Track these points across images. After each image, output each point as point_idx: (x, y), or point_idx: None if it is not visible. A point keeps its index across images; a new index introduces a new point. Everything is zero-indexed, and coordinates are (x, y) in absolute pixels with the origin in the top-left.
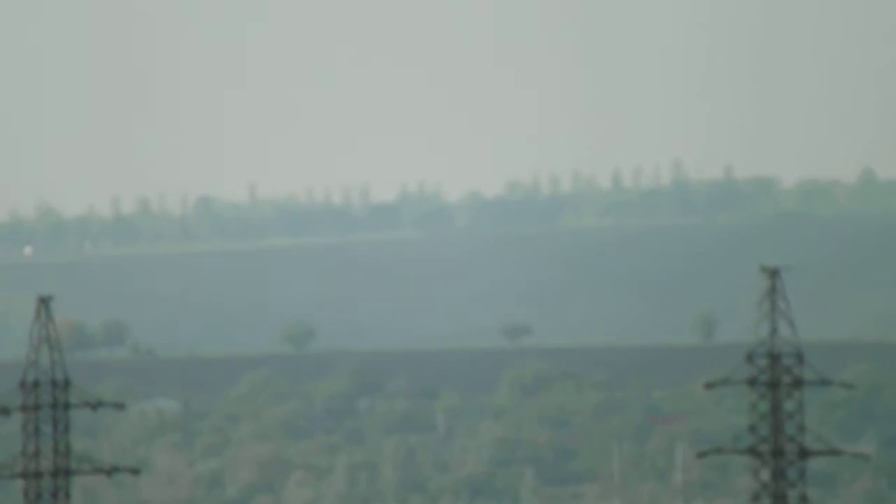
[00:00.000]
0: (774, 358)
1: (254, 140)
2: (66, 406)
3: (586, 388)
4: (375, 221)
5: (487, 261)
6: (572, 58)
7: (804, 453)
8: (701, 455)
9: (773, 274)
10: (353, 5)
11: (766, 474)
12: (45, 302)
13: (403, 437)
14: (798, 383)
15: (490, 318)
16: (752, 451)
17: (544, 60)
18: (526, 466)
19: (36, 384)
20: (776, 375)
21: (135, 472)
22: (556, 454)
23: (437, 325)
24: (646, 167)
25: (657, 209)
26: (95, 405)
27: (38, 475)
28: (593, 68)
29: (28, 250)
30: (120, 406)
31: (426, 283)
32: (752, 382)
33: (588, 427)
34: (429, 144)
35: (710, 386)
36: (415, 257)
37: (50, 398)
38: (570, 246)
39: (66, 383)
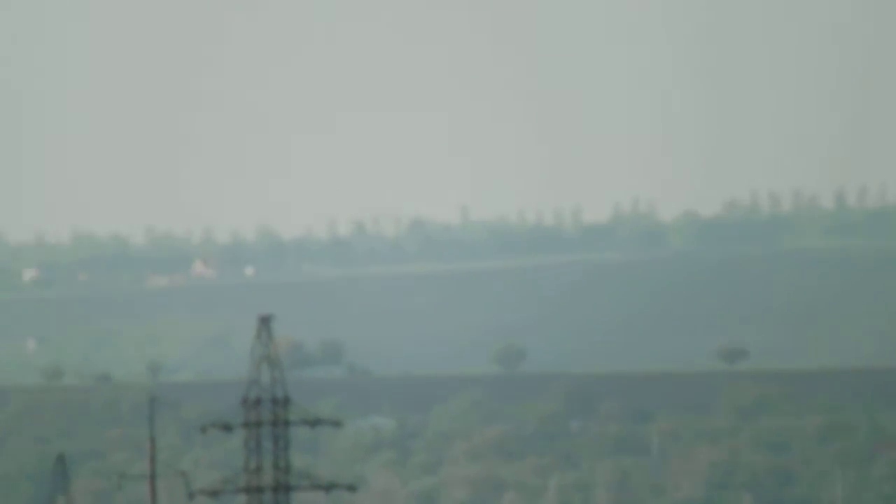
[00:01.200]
0: None
1: (465, 162)
2: (286, 423)
3: (807, 411)
4: (587, 242)
5: (703, 282)
6: (810, 71)
7: None
8: None
9: None
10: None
11: None
12: (266, 321)
13: (617, 460)
14: None
15: (706, 340)
16: None
17: (769, 74)
18: (743, 491)
19: (257, 401)
20: None
21: (351, 488)
22: (775, 479)
23: (650, 346)
24: (871, 186)
25: (884, 230)
26: (314, 423)
27: (259, 490)
28: (824, 81)
29: (249, 271)
30: (337, 424)
31: (638, 304)
32: None
33: (809, 452)
34: (643, 163)
35: None
36: (627, 278)
37: (271, 415)
38: (791, 268)
39: (286, 401)
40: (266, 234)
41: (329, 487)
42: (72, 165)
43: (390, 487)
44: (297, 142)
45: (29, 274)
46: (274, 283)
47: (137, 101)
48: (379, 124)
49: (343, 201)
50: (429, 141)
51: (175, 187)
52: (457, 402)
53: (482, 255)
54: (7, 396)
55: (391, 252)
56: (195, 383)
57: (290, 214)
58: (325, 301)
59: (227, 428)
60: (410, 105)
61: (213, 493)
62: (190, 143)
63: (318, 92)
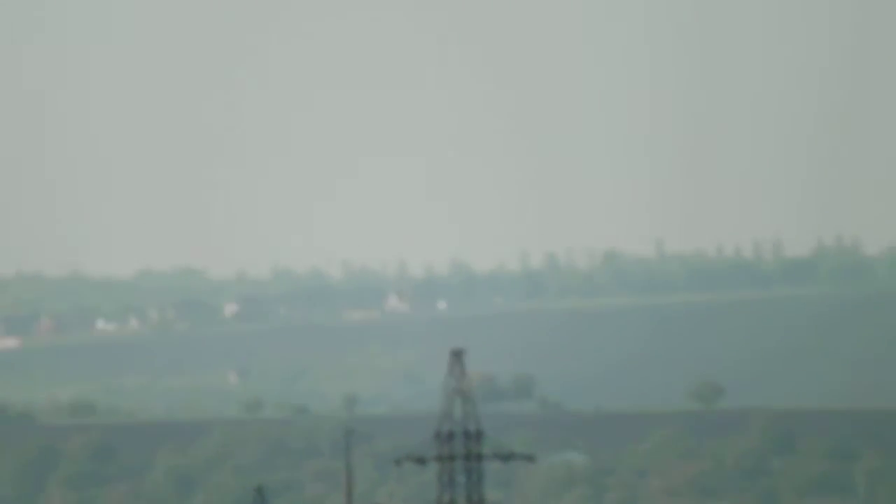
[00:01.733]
0: None
1: (660, 194)
2: (479, 457)
3: None
4: (788, 276)
5: None
6: None
7: None
8: None
9: None
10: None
11: None
12: (458, 355)
13: (820, 500)
14: None
15: None
16: None
17: None
18: None
19: (450, 435)
20: None
21: None
22: None
23: (850, 382)
24: None
25: None
26: (507, 457)
27: None
28: None
29: (442, 304)
30: (530, 458)
31: (839, 338)
32: None
33: None
34: (846, 197)
35: None
36: (828, 313)
37: (464, 449)
38: None
39: (479, 434)
40: (459, 267)
41: None
42: (270, 203)
43: None
44: (490, 174)
45: (230, 308)
46: (466, 316)
47: (327, 134)
48: (571, 154)
49: (536, 234)
50: (625, 172)
51: (370, 222)
52: (652, 438)
53: (678, 289)
54: (209, 428)
55: (584, 285)
56: (389, 416)
57: (483, 247)
58: (516, 334)
59: (421, 461)
60: (604, 135)
61: None
62: (382, 178)
63: (499, 122)
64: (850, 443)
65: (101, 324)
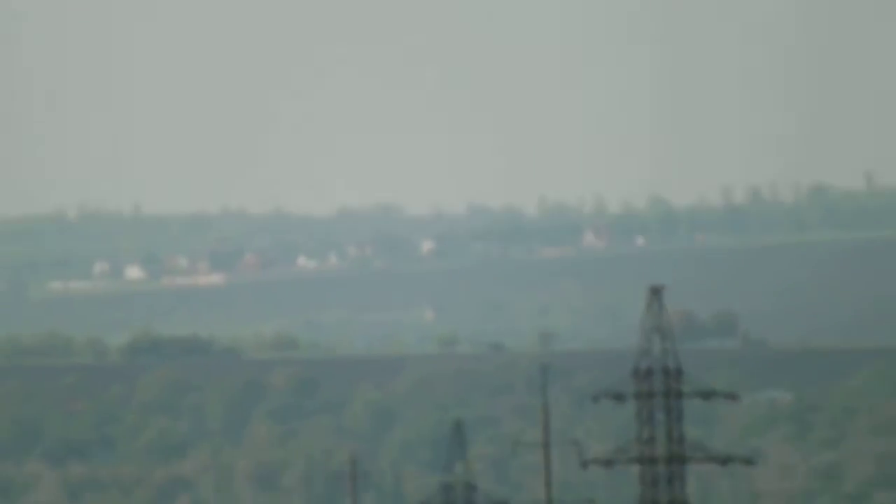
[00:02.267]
0: None
1: (871, 127)
2: (679, 395)
3: None
4: None
5: None
6: None
7: None
8: None
9: None
10: None
11: None
12: (657, 292)
13: None
14: None
15: None
16: None
17: None
18: None
19: (649, 372)
20: None
21: (749, 462)
22: None
23: None
24: None
25: None
26: (708, 395)
27: (652, 461)
28: None
29: (640, 241)
30: (733, 396)
31: None
32: None
33: None
34: None
35: None
36: None
37: (663, 386)
38: None
39: (678, 372)
40: (657, 203)
41: (725, 460)
42: (466, 140)
43: (789, 462)
44: (689, 106)
45: (427, 245)
46: (665, 252)
47: (522, 72)
48: (774, 87)
49: (739, 168)
50: (836, 104)
51: (569, 157)
52: (860, 374)
53: (889, 224)
54: (405, 364)
55: (789, 221)
56: (586, 353)
57: (683, 182)
58: (718, 272)
59: (620, 398)
60: (815, 69)
61: (607, 463)
62: (578, 114)
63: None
64: None
65: (302, 260)
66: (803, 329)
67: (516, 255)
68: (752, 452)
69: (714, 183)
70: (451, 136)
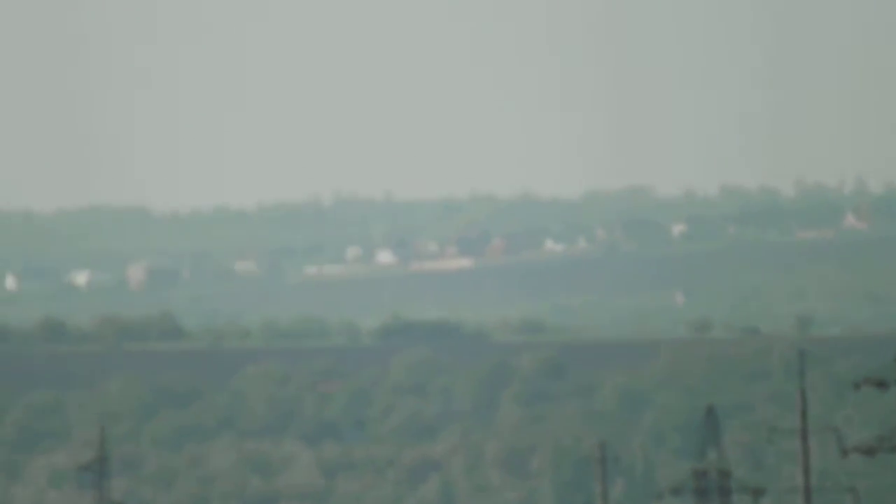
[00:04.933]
0: None
1: None
2: None
3: None
4: None
5: None
6: None
7: None
8: None
9: None
10: None
11: None
12: None
13: None
14: None
15: None
16: None
17: None
18: None
19: None
20: None
21: None
22: None
23: None
24: None
25: None
26: None
27: None
28: None
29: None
30: None
31: None
32: None
33: None
34: None
35: None
36: None
37: None
38: None
39: None
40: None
41: None
42: (714, 119)
43: None
44: None
45: (678, 228)
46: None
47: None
48: None
49: None
50: None
51: (829, 137)
52: None
53: None
54: (656, 348)
55: None
56: (846, 338)
57: None
58: None
59: (883, 384)
60: None
61: (868, 451)
62: (827, 91)
63: None
64: None
65: (549, 244)
66: None
67: (771, 238)
68: None
69: None
70: (701, 115)
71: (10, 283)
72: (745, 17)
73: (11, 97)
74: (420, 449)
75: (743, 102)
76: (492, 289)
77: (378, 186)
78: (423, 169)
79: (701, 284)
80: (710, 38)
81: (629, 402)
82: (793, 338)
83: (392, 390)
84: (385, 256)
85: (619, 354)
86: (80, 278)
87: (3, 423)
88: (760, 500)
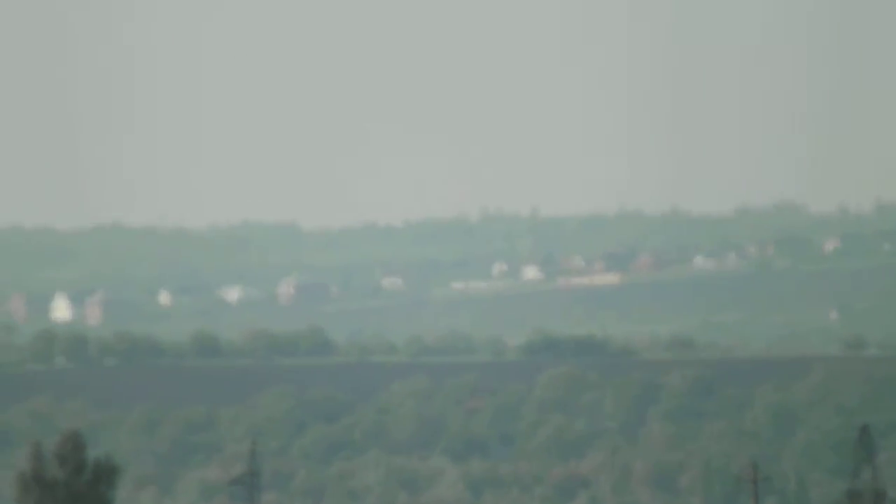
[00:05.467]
0: None
1: None
2: None
3: None
4: None
5: None
6: None
7: None
8: None
9: None
10: None
11: None
12: None
13: None
14: None
15: None
16: None
17: None
18: None
19: None
20: None
21: None
22: None
23: None
24: None
25: None
26: None
27: None
28: None
29: None
30: None
31: None
32: None
33: None
34: None
35: None
36: None
37: None
38: None
39: None
40: None
41: None
42: (868, 135)
43: None
44: None
45: (831, 244)
46: None
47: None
48: None
49: None
50: None
51: None
52: None
53: None
54: (809, 365)
55: None
56: None
57: None
58: None
59: None
60: None
61: None
62: None
63: None
64: None
65: (699, 260)
66: None
67: None
68: None
69: None
70: (855, 131)
71: (164, 298)
72: None
73: (174, 121)
74: (567, 466)
75: (889, 120)
76: (639, 305)
77: (525, 202)
78: (570, 184)
79: (855, 301)
80: (867, 54)
81: (781, 420)
82: None
83: (538, 407)
84: (531, 272)
85: (770, 372)
86: (232, 294)
87: (156, 436)
88: None
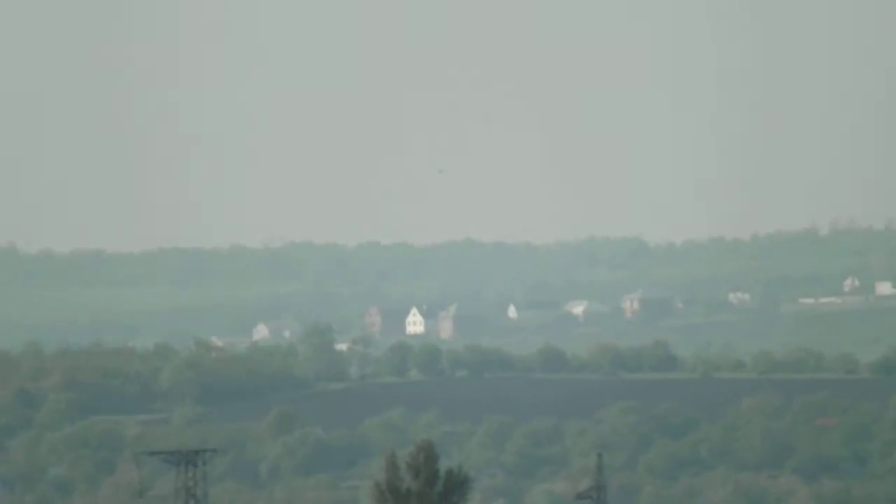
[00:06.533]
0: None
1: None
2: None
3: None
4: None
5: None
6: None
7: None
8: None
9: None
10: None
11: None
12: None
13: None
14: None
15: None
16: None
17: None
18: None
19: None
20: None
21: None
22: None
23: None
24: None
25: None
26: None
27: None
28: None
29: None
30: None
31: None
32: None
33: None
34: None
35: None
36: None
37: None
38: None
39: None
40: None
41: None
42: None
43: None
44: None
45: None
46: None
47: None
48: None
49: None
50: None
51: None
52: None
53: None
54: None
55: None
56: None
57: None
58: None
59: None
60: None
61: None
62: None
63: None
64: None
65: None
66: None
67: None
68: None
69: None
70: None
71: (512, 312)
72: None
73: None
74: None
75: None
76: None
77: (879, 215)
78: None
79: None
80: None
81: None
82: None
83: (893, 426)
84: (885, 288)
85: None
86: (578, 308)
87: (505, 449)
88: None
